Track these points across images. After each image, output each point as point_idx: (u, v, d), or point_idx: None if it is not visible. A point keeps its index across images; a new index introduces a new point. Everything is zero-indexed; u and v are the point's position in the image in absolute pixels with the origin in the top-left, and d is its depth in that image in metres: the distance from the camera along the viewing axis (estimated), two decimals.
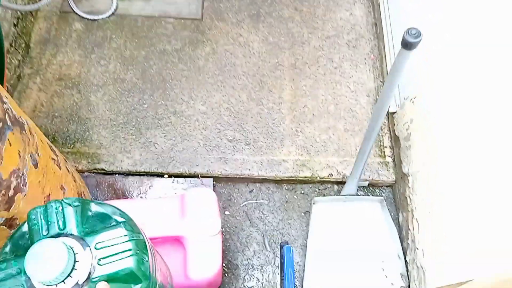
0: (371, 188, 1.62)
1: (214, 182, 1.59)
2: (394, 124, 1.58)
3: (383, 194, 1.62)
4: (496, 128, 1.02)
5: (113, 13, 1.85)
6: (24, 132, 0.94)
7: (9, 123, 0.87)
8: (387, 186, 1.63)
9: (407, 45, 0.80)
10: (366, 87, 1.77)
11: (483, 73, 1.08)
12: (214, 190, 1.56)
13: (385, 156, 1.63)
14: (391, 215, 1.51)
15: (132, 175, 1.56)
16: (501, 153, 1.00)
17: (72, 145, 1.58)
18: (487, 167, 1.04)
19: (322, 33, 1.89)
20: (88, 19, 1.84)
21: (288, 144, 1.65)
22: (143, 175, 1.56)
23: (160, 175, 1.57)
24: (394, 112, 1.60)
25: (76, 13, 1.84)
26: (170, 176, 1.57)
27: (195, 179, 1.57)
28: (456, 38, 1.22)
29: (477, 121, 1.09)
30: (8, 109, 0.88)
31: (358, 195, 1.54)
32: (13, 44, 1.68)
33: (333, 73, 1.80)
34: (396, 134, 1.56)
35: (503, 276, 0.90)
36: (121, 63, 1.75)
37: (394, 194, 1.59)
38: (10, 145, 0.85)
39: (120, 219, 0.75)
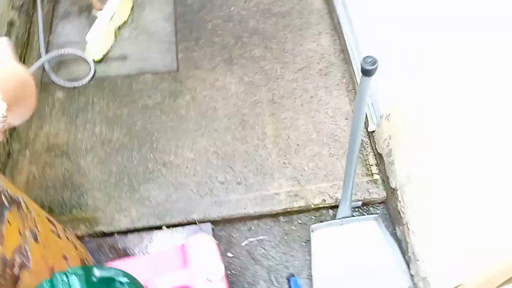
0: (364, 207, 1.66)
1: (213, 226, 1.61)
2: (375, 142, 1.64)
3: (378, 211, 1.65)
4: (474, 132, 1.08)
5: (92, 78, 1.93)
6: (21, 209, 0.97)
7: (6, 204, 0.90)
8: (379, 203, 1.67)
9: (365, 72, 0.87)
10: (343, 111, 1.84)
11: (446, 83, 1.15)
12: (213, 234, 1.59)
13: (372, 174, 1.68)
14: (388, 230, 1.54)
15: (131, 232, 1.58)
16: (481, 157, 1.05)
17: (69, 212, 1.61)
18: (467, 172, 1.10)
19: (293, 66, 1.97)
20: (68, 87, 1.90)
21: (278, 177, 1.69)
22: (142, 230, 1.58)
23: (159, 227, 1.59)
24: (373, 131, 1.67)
25: (56, 83, 1.90)
26: (168, 227, 1.59)
27: (194, 226, 1.59)
28: (413, 54, 1.30)
29: (452, 129, 1.15)
30: (2, 190, 0.92)
31: (353, 216, 1.57)
32: None
33: (310, 102, 1.87)
34: (379, 151, 1.62)
35: (487, 274, 0.93)
36: (106, 124, 1.81)
37: (388, 210, 1.63)
38: (10, 224, 0.88)
39: (124, 280, 0.78)
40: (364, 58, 0.85)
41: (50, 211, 1.60)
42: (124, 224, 1.58)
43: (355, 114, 1.01)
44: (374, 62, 0.85)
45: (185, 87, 1.92)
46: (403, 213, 1.44)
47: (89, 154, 1.73)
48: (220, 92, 1.91)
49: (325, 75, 1.94)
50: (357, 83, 1.84)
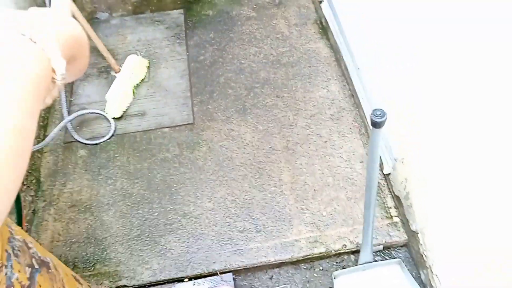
0: (386, 251, 1.65)
1: (234, 275, 1.61)
2: (392, 185, 1.65)
3: (400, 255, 1.63)
4: (487, 171, 1.09)
5: (112, 135, 2.01)
6: (50, 270, 1.00)
7: (36, 266, 0.94)
8: (401, 246, 1.65)
9: (375, 124, 0.91)
10: (358, 154, 1.86)
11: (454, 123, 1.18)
12: (235, 284, 1.58)
13: (392, 217, 1.68)
14: (412, 274, 1.52)
15: (154, 285, 1.59)
16: (497, 195, 1.06)
17: (92, 267, 1.63)
18: (485, 210, 1.10)
19: (305, 112, 2.03)
20: (91, 144, 1.99)
21: (297, 223, 1.70)
22: (164, 283, 1.59)
23: (180, 279, 1.60)
24: (389, 173, 1.68)
25: (79, 141, 1.99)
26: (190, 279, 1.60)
27: (215, 276, 1.60)
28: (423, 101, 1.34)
29: (467, 169, 1.17)
30: (34, 253, 0.96)
31: (375, 261, 1.56)
32: (25, 182, 1.81)
33: (324, 147, 1.91)
34: (396, 194, 1.62)
35: None
36: (127, 179, 1.87)
37: (410, 253, 1.61)
38: (40, 286, 0.92)
39: None
40: (374, 111, 0.90)
41: (75, 266, 1.63)
42: (146, 277, 1.59)
43: (369, 163, 1.04)
44: (383, 114, 0.89)
45: (201, 139, 1.98)
46: (425, 256, 1.43)
47: (111, 209, 1.78)
48: (236, 141, 1.97)
49: (337, 120, 1.99)
50: (368, 126, 1.88)
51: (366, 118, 1.90)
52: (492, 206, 1.07)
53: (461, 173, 1.17)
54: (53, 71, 0.42)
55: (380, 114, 0.89)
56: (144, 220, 1.74)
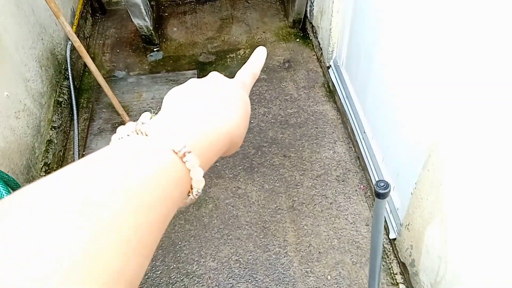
0: None
1: None
2: (398, 251, 1.64)
3: None
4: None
5: None
6: None
7: None
8: None
9: (379, 195, 0.93)
10: (363, 216, 1.86)
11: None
12: None
13: (397, 283, 1.64)
14: None
15: None
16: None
17: None
18: (492, 278, 1.08)
19: (312, 173, 2.06)
20: None
21: (301, 286, 1.67)
22: None
23: None
24: (394, 239, 1.67)
25: None
26: None
27: None
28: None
29: (475, 240, 1.17)
30: None
31: None
32: None
33: (330, 208, 1.92)
34: (402, 260, 1.60)
35: None
36: None
37: None
38: None
39: None
40: (377, 183, 0.92)
41: None
42: None
43: (373, 233, 1.05)
44: (387, 186, 0.91)
45: (208, 196, 2.01)
46: None
47: None
48: (242, 200, 1.98)
49: (343, 181, 2.01)
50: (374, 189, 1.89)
51: (371, 180, 1.92)
52: (500, 279, 1.05)
53: (468, 246, 1.17)
54: (191, 187, 0.33)
55: (383, 186, 0.91)
56: (147, 278, 1.73)
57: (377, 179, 1.84)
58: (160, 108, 0.39)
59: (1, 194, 1.14)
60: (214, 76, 0.41)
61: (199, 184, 0.32)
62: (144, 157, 0.29)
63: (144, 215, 0.27)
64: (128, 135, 0.33)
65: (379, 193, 0.92)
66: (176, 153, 0.31)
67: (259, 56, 0.48)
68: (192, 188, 0.33)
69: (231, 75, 0.43)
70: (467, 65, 1.05)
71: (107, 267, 0.23)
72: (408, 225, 1.48)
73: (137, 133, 0.32)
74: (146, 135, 0.32)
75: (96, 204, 0.24)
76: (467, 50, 1.04)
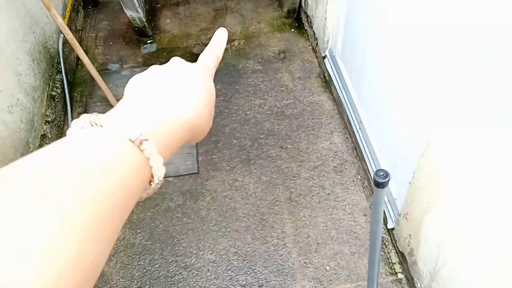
0: None
1: None
2: (396, 240, 1.64)
3: None
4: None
5: None
6: None
7: None
8: None
9: (378, 185, 0.92)
10: (361, 207, 1.86)
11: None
12: None
13: (396, 273, 1.65)
14: None
15: None
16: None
17: None
18: (492, 270, 1.09)
19: (309, 164, 2.05)
20: None
21: (300, 277, 1.67)
22: None
23: None
24: (393, 228, 1.67)
25: None
26: None
27: None
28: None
29: (472, 230, 1.17)
30: None
31: None
32: None
33: (327, 199, 1.91)
34: (401, 250, 1.61)
35: None
36: (129, 228, 1.86)
37: None
38: None
39: None
40: (376, 172, 0.91)
41: None
42: None
43: (372, 222, 1.05)
44: (386, 175, 0.90)
45: (205, 189, 2.00)
46: None
47: (113, 259, 1.76)
48: (239, 192, 1.98)
49: (340, 172, 2.01)
50: (371, 178, 1.89)
51: (369, 171, 1.91)
52: (498, 267, 1.06)
53: (467, 234, 1.17)
54: (152, 176, 0.33)
55: (383, 175, 0.90)
56: (145, 272, 1.72)
57: (374, 169, 1.84)
58: None
59: None
60: (176, 62, 0.41)
61: (159, 171, 0.33)
62: (101, 146, 0.30)
63: (104, 203, 0.27)
64: (83, 128, 0.32)
65: (379, 182, 0.91)
66: (133, 141, 0.31)
67: (220, 38, 0.47)
68: (153, 177, 0.33)
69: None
70: (463, 54, 1.04)
71: (65, 253, 0.23)
72: (407, 214, 1.48)
73: (92, 125, 0.32)
74: (101, 126, 0.31)
75: (56, 192, 0.25)
76: (464, 38, 1.03)
